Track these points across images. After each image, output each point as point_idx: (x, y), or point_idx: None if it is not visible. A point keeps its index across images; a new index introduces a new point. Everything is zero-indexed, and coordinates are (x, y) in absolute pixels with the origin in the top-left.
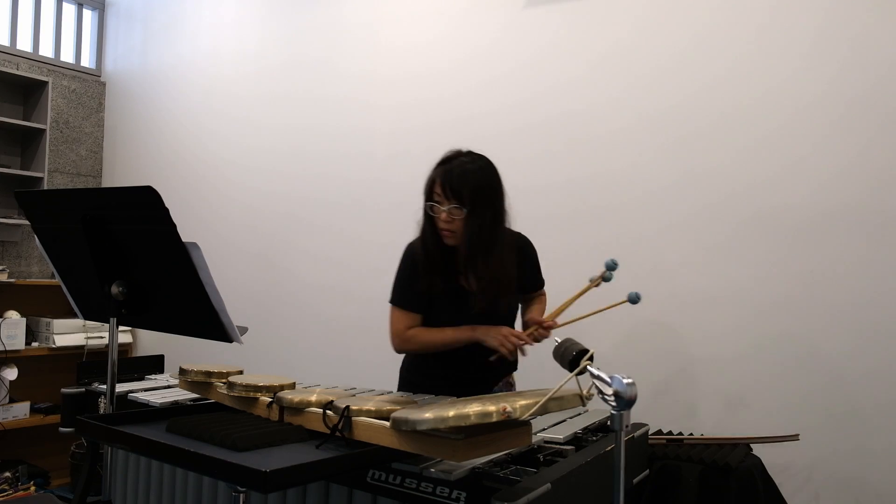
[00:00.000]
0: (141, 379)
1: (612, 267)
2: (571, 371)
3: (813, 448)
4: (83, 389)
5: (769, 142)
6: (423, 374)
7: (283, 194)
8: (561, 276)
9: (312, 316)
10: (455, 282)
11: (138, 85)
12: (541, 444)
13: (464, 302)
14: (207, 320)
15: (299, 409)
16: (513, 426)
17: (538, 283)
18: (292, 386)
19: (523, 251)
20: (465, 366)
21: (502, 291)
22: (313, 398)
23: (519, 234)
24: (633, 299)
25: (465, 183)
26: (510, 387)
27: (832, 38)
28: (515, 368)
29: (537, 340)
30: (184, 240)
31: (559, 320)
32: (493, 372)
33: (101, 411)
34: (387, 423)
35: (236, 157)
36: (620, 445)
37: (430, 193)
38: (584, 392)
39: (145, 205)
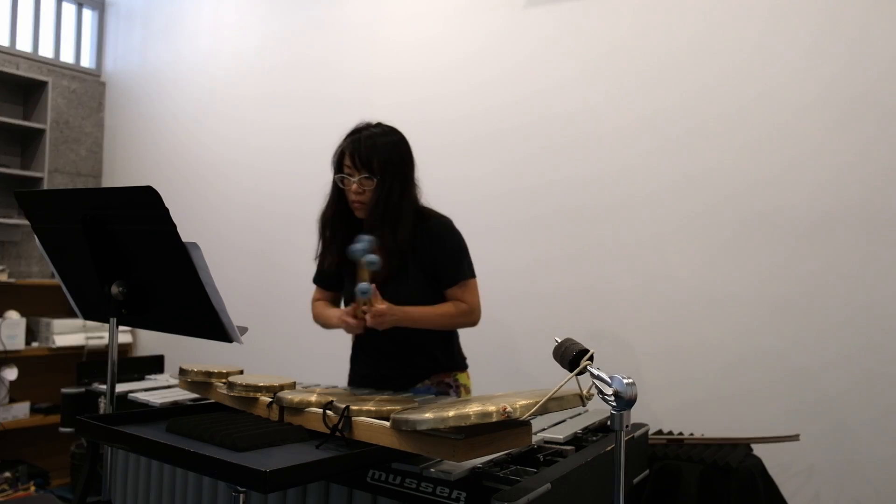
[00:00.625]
0: (141, 379)
1: (367, 258)
2: (571, 371)
3: (813, 448)
4: (83, 389)
5: (769, 142)
6: (352, 368)
7: (283, 194)
8: (561, 276)
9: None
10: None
11: (138, 85)
12: (541, 444)
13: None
14: (207, 320)
15: (299, 409)
16: (513, 426)
17: (456, 276)
18: (292, 386)
19: (437, 234)
20: (378, 359)
21: (402, 264)
22: (313, 398)
23: (441, 216)
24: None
25: (375, 152)
26: (447, 387)
27: (832, 39)
28: (462, 368)
29: (372, 325)
30: (184, 240)
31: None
32: (413, 369)
33: (101, 411)
34: (387, 423)
35: (236, 157)
36: (620, 445)
37: (339, 165)
38: (584, 392)
39: (145, 205)
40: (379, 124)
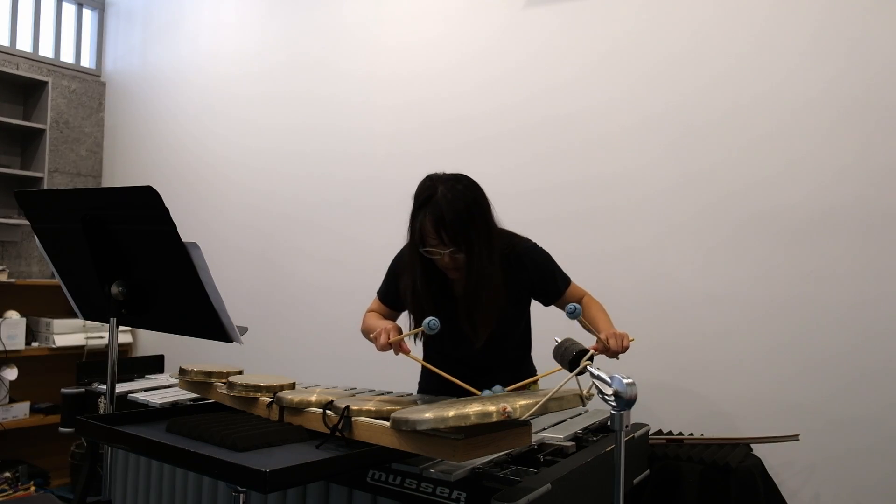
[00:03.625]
0: (141, 379)
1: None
2: (571, 371)
3: (813, 448)
4: (83, 389)
5: (768, 142)
6: (424, 374)
7: (283, 194)
8: None
9: (312, 316)
10: (453, 319)
11: (138, 85)
12: (541, 444)
13: (459, 335)
14: (207, 320)
15: (299, 409)
16: (513, 426)
17: (558, 287)
18: (292, 386)
19: (522, 263)
20: (463, 372)
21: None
22: (313, 398)
23: (521, 239)
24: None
25: (460, 225)
26: None
27: (831, 38)
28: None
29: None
30: (184, 240)
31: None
32: (494, 381)
33: (101, 411)
34: (387, 423)
35: (236, 157)
36: (620, 445)
37: (422, 239)
38: (584, 392)
39: (145, 205)
40: (448, 180)
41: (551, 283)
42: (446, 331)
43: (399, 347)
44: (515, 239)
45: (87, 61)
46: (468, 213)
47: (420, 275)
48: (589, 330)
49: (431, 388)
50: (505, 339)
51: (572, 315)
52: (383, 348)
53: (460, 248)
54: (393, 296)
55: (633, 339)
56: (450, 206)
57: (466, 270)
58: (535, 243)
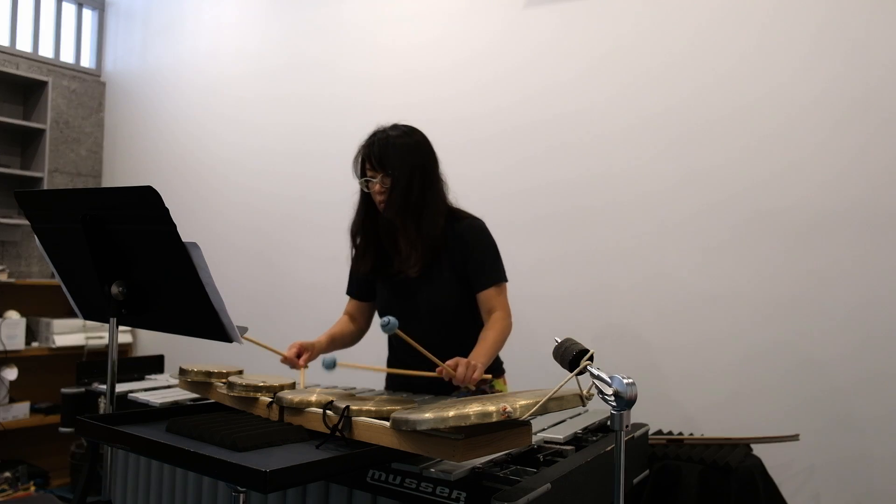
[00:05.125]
0: (141, 379)
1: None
2: (571, 371)
3: (813, 448)
4: (83, 389)
5: (769, 142)
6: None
7: (283, 194)
8: (561, 277)
9: (312, 316)
10: (391, 265)
11: (138, 85)
12: (541, 444)
13: (401, 287)
14: (207, 320)
15: (299, 409)
16: (513, 426)
17: (490, 278)
18: (292, 386)
19: (469, 235)
20: (414, 368)
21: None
22: (313, 398)
23: (474, 217)
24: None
25: (390, 150)
26: (481, 394)
27: (832, 39)
28: (499, 374)
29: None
30: (184, 240)
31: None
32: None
33: (101, 411)
34: (387, 423)
35: (236, 157)
36: (620, 445)
37: (362, 171)
38: (584, 392)
39: (145, 205)
40: (395, 125)
41: (479, 269)
42: (389, 296)
43: (292, 363)
44: (470, 217)
45: (87, 61)
46: (400, 145)
47: (361, 209)
48: (420, 351)
49: (392, 381)
50: (445, 311)
51: (385, 328)
52: (283, 361)
53: (386, 173)
54: (353, 285)
55: (489, 377)
56: (384, 139)
57: (388, 193)
58: (484, 226)
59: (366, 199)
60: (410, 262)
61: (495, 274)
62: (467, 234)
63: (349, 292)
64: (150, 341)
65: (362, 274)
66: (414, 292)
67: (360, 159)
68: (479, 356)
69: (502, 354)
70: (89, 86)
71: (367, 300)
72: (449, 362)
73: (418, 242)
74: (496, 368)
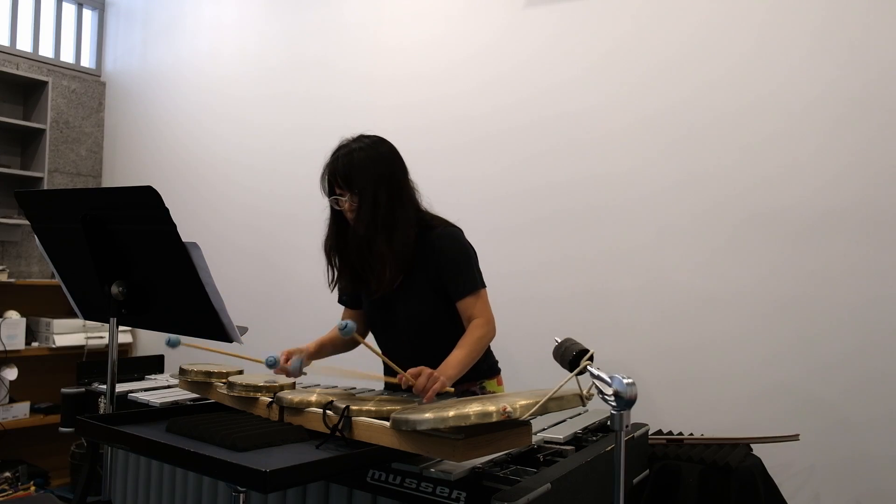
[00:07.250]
0: (141, 379)
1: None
2: (571, 371)
3: (813, 448)
4: (83, 389)
5: (769, 143)
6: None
7: (283, 194)
8: (561, 276)
9: (312, 316)
10: (368, 283)
11: (138, 85)
12: (541, 444)
13: (380, 299)
14: (207, 320)
15: (299, 409)
16: (513, 426)
17: (466, 286)
18: (292, 386)
19: (441, 244)
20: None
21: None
22: (313, 398)
23: (448, 224)
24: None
25: (353, 168)
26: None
27: (832, 39)
28: (491, 375)
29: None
30: (184, 240)
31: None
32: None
33: (101, 411)
34: (387, 423)
35: (236, 157)
36: (620, 445)
37: (330, 190)
38: (584, 392)
39: (145, 205)
40: (359, 137)
41: (454, 279)
42: (370, 307)
43: (281, 370)
44: (443, 224)
45: (87, 61)
46: (363, 161)
47: (333, 227)
48: (382, 358)
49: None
50: (423, 320)
51: (342, 331)
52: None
53: (353, 192)
54: (342, 294)
55: (452, 391)
56: (347, 155)
57: (356, 211)
58: (459, 234)
59: (336, 217)
60: (385, 282)
61: (471, 282)
62: (439, 244)
63: (340, 301)
64: (150, 341)
65: (347, 290)
66: (392, 303)
67: (325, 178)
68: (446, 369)
69: (500, 355)
70: (89, 86)
71: (358, 308)
72: (411, 371)
73: (390, 258)
74: (489, 369)
